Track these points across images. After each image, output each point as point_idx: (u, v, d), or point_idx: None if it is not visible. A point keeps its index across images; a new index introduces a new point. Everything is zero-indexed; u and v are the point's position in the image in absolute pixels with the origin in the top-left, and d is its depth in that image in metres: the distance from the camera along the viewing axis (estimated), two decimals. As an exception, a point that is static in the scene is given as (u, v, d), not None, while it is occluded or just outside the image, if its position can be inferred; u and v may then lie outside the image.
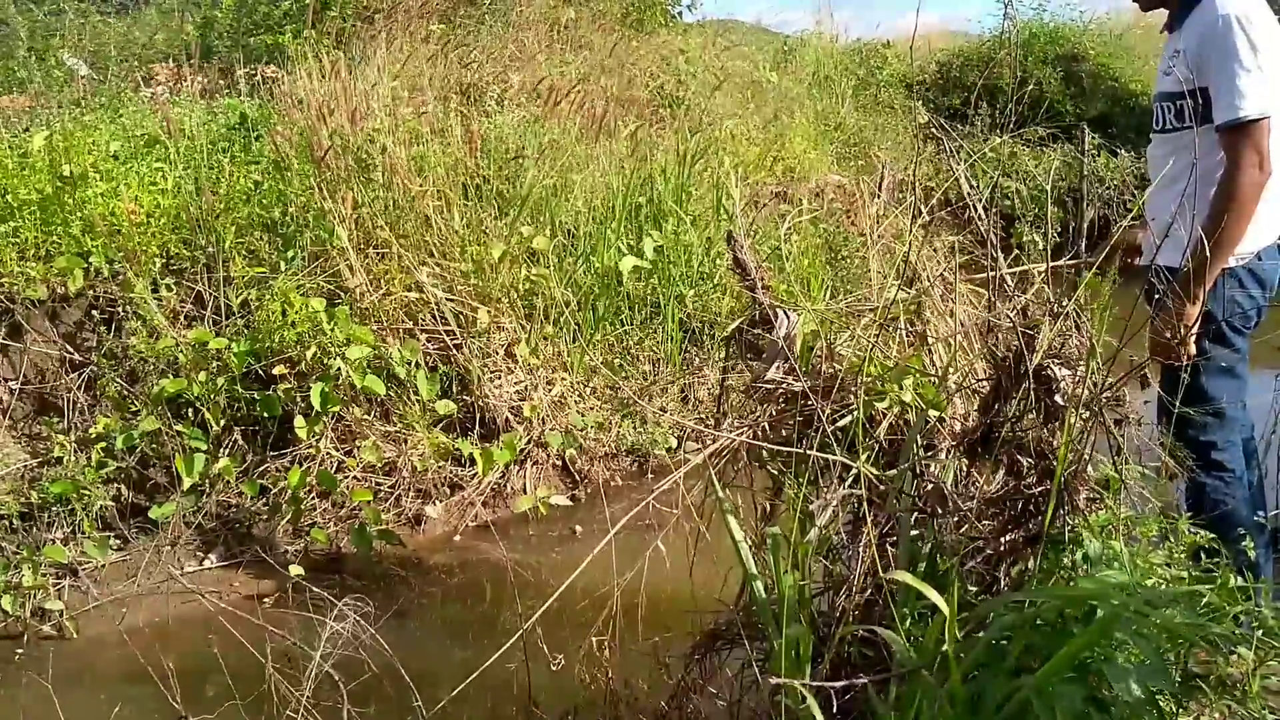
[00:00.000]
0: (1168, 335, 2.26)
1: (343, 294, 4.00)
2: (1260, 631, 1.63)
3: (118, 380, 3.69)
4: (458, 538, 3.86)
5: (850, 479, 1.81)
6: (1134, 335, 1.72)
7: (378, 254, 4.17)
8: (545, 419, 4.22)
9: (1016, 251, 2.09)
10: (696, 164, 5.27)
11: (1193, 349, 2.35)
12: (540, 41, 6.03)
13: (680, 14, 8.51)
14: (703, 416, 4.41)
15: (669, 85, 6.29)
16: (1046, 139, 8.01)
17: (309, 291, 3.89)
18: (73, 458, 3.49)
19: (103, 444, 3.55)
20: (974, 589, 1.75)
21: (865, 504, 1.80)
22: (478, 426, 4.13)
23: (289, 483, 3.54)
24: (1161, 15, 2.61)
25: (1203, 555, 1.77)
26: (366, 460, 3.76)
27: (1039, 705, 1.45)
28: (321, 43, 4.73)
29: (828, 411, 1.89)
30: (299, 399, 3.71)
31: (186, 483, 3.54)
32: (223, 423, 3.68)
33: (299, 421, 3.66)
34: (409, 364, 3.90)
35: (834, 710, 1.65)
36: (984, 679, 1.59)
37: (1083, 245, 1.92)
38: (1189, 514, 1.84)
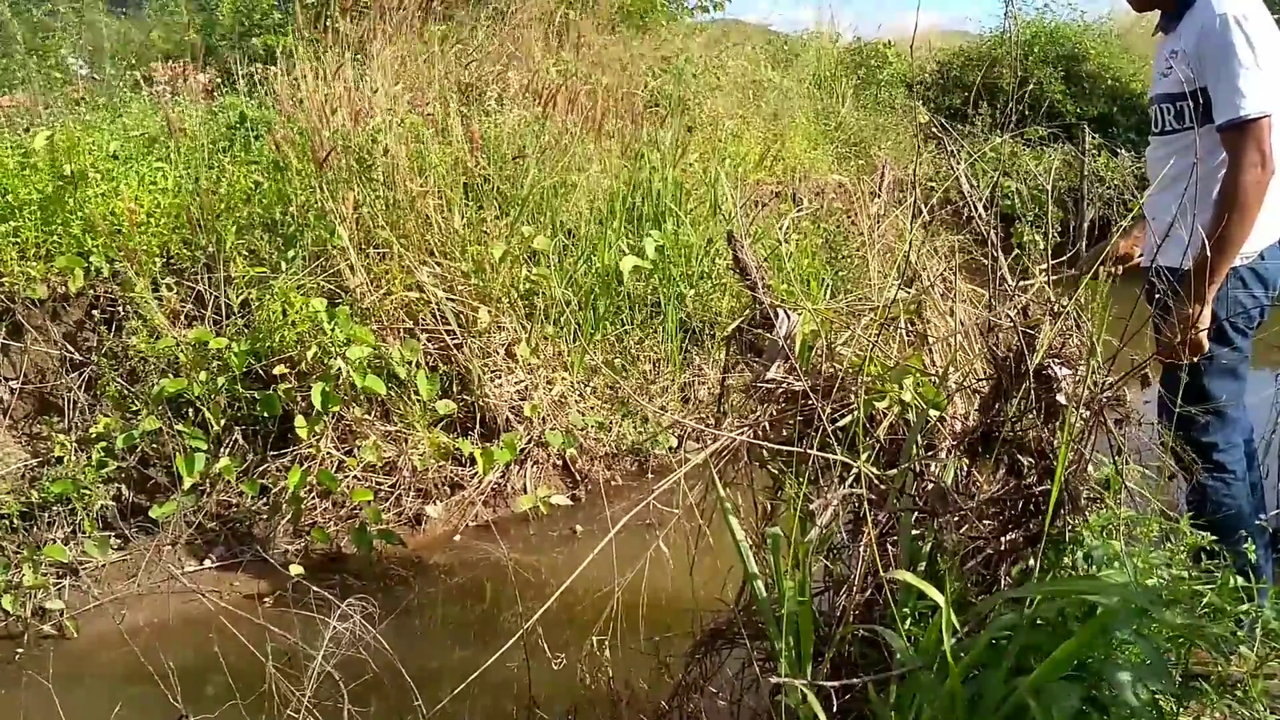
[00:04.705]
0: (1168, 336, 2.26)
1: (343, 294, 4.00)
2: (1261, 632, 1.63)
3: (118, 380, 3.69)
4: (458, 537, 3.86)
5: (851, 478, 1.81)
6: (1134, 335, 1.72)
7: (378, 254, 4.17)
8: (546, 418, 4.22)
9: (1017, 251, 2.09)
10: (686, 157, 5.27)
11: (1205, 346, 2.35)
12: (537, 40, 6.03)
13: (694, 12, 8.49)
14: (703, 416, 4.41)
15: (669, 85, 6.29)
16: (1047, 139, 8.01)
17: (309, 291, 3.89)
18: (73, 457, 3.49)
19: (103, 443, 3.55)
20: (975, 589, 1.75)
21: (866, 503, 1.80)
22: (478, 426, 4.13)
23: (289, 482, 3.54)
24: (1155, 17, 2.60)
25: (1203, 556, 1.76)
26: (367, 460, 3.76)
27: (1036, 705, 1.45)
28: (321, 42, 4.72)
29: (828, 411, 1.89)
30: (299, 399, 3.72)
31: (187, 482, 3.54)
32: (223, 422, 3.69)
33: (299, 421, 3.66)
34: (409, 364, 3.90)
35: (834, 710, 1.65)
36: (983, 678, 1.59)
37: (1083, 246, 1.92)
38: (1190, 514, 1.83)
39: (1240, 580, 1.66)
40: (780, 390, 2.01)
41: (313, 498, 3.75)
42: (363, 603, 2.31)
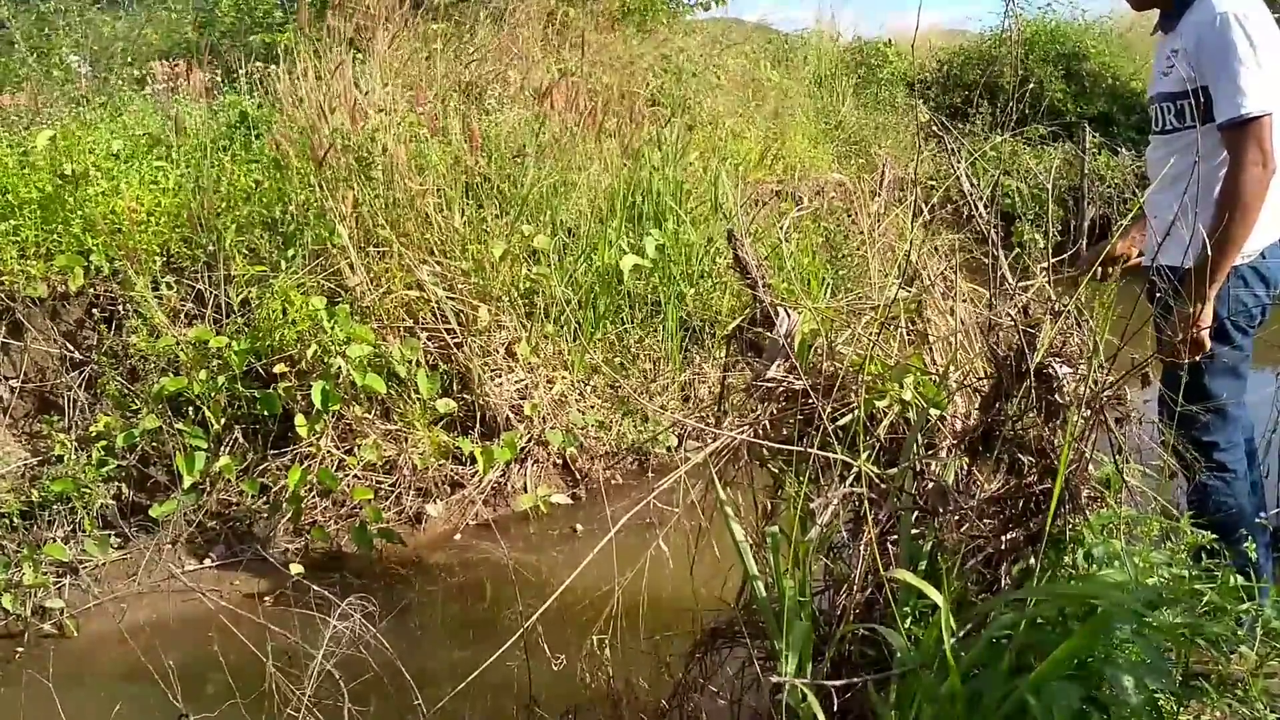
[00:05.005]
0: (1169, 335, 2.26)
1: (343, 292, 4.00)
2: (1262, 631, 1.63)
3: (118, 378, 3.69)
4: (458, 536, 3.86)
5: (851, 477, 1.81)
6: (1135, 334, 1.72)
7: (378, 252, 4.17)
8: (546, 417, 4.21)
9: (1017, 250, 2.08)
10: (686, 156, 5.27)
11: (1207, 345, 2.34)
12: (536, 39, 6.02)
13: (694, 9, 8.45)
14: (703, 415, 4.41)
15: (669, 84, 6.29)
16: (1047, 137, 8.00)
17: (309, 290, 3.89)
18: (73, 456, 3.49)
19: (103, 442, 3.55)
20: (975, 588, 1.75)
21: (866, 502, 1.80)
22: (478, 425, 4.13)
23: (289, 481, 3.54)
24: (1154, 16, 2.60)
25: (1204, 555, 1.76)
26: (367, 459, 3.76)
27: (1036, 704, 1.45)
28: (323, 41, 4.72)
29: (828, 410, 1.89)
30: (299, 397, 3.72)
31: (187, 481, 3.54)
32: (223, 421, 3.69)
33: (299, 420, 3.66)
34: (409, 362, 3.90)
35: (834, 709, 1.65)
36: (984, 678, 1.59)
37: (1083, 244, 1.92)
38: (1190, 514, 1.83)
39: (1241, 579, 1.66)
40: (780, 389, 2.01)
41: (313, 496, 3.75)
42: (363, 602, 2.31)
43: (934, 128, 7.36)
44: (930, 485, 1.83)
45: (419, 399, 3.94)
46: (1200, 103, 2.34)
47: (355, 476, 3.80)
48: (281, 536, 3.69)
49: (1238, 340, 2.45)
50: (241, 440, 3.77)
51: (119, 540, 3.53)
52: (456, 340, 4.15)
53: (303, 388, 3.70)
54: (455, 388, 4.16)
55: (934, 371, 1.98)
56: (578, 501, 4.13)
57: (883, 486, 1.83)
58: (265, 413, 3.74)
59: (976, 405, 1.89)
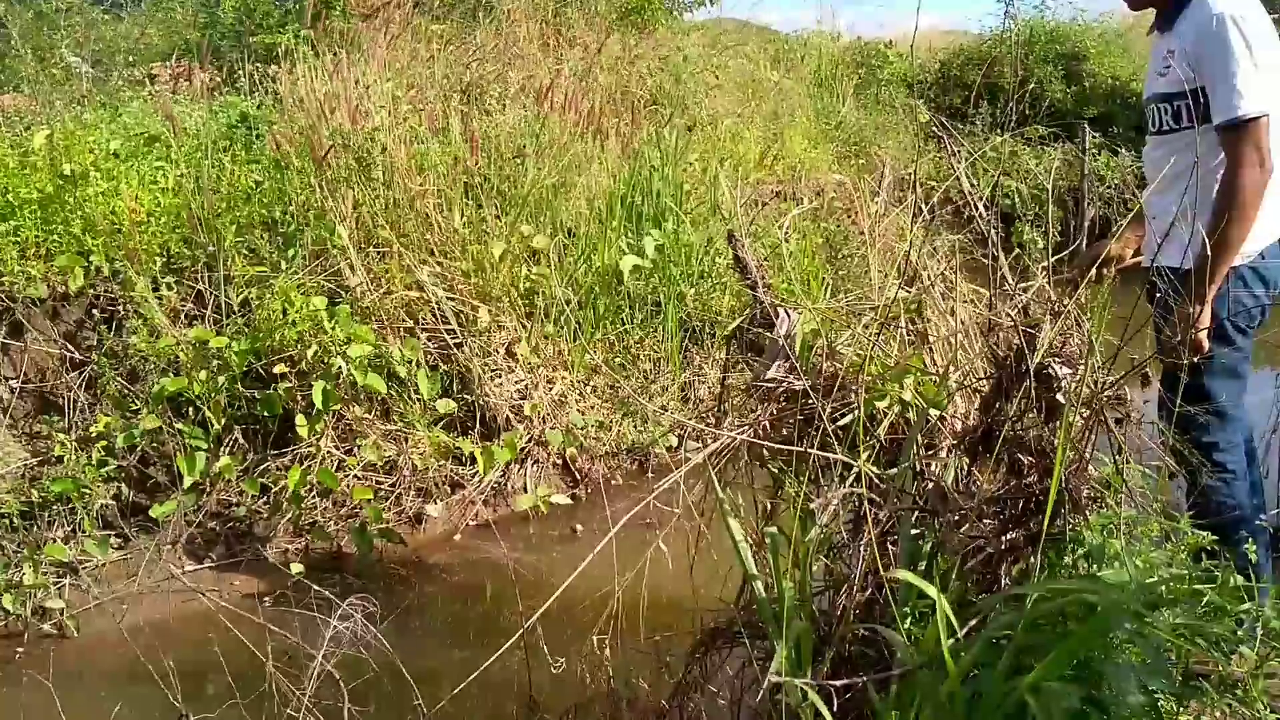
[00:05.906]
0: (1168, 335, 2.26)
1: (343, 293, 4.00)
2: (1262, 631, 1.63)
3: (118, 379, 3.69)
4: (458, 536, 3.86)
5: (851, 478, 1.81)
6: (1135, 334, 1.72)
7: (378, 253, 4.17)
8: (546, 417, 4.22)
9: (1017, 250, 2.09)
10: (686, 156, 5.27)
11: (1205, 346, 2.35)
12: (534, 40, 6.02)
13: (690, 6, 8.43)
14: (703, 415, 4.41)
15: (667, 84, 6.29)
16: (1047, 138, 8.01)
17: (310, 290, 3.89)
18: (73, 456, 3.49)
19: (103, 442, 3.55)
20: (975, 588, 1.75)
21: (866, 503, 1.80)
22: (478, 425, 4.13)
23: (289, 481, 3.54)
24: (1151, 15, 2.60)
25: (1204, 556, 1.76)
26: (367, 459, 3.76)
27: (1036, 705, 1.45)
28: (323, 42, 4.72)
29: (828, 410, 1.89)
30: (300, 398, 3.72)
31: (187, 481, 3.54)
32: (223, 421, 3.69)
33: (300, 420, 3.66)
34: (410, 362, 3.90)
35: (834, 709, 1.65)
36: (983, 678, 1.59)
37: (1082, 243, 1.92)
38: (1190, 514, 1.83)
39: (1241, 579, 1.66)
40: (780, 389, 2.01)
41: (313, 497, 3.75)
42: (363, 602, 2.31)
43: (934, 128, 7.38)
44: (930, 485, 1.84)
45: (419, 399, 3.94)
46: (1198, 103, 2.34)
47: (355, 477, 3.81)
48: (282, 537, 3.69)
49: (1237, 341, 2.45)
50: (242, 440, 3.77)
51: (119, 540, 3.53)
52: (456, 340, 4.15)
53: (303, 388, 3.71)
54: (455, 388, 4.16)
55: (934, 372, 1.98)
56: (577, 502, 4.13)
57: (883, 487, 1.83)
58: (265, 413, 3.74)
59: (976, 405, 1.90)
